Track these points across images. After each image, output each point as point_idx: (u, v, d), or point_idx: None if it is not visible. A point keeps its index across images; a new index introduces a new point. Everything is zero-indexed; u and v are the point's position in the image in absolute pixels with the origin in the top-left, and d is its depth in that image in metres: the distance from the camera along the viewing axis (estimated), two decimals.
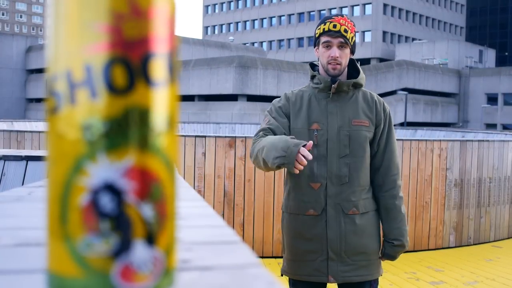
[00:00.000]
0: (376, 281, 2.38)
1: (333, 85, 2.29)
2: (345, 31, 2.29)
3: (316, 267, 2.28)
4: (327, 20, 2.32)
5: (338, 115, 2.30)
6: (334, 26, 2.28)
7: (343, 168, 2.27)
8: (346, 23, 2.30)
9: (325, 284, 2.35)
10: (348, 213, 2.27)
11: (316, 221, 2.28)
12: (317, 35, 2.35)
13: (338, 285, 2.35)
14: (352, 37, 2.32)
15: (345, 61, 2.33)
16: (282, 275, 2.43)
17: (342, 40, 2.29)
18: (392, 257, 2.39)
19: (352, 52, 2.36)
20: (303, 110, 2.33)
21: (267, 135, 2.25)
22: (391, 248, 2.36)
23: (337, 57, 2.29)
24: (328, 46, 2.30)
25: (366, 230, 2.31)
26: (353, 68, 2.41)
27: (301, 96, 2.38)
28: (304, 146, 1.99)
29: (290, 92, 2.44)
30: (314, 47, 2.41)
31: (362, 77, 2.36)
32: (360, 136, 2.29)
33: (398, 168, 2.38)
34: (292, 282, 2.37)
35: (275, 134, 2.25)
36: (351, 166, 2.28)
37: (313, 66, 2.47)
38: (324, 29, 2.30)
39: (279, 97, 2.45)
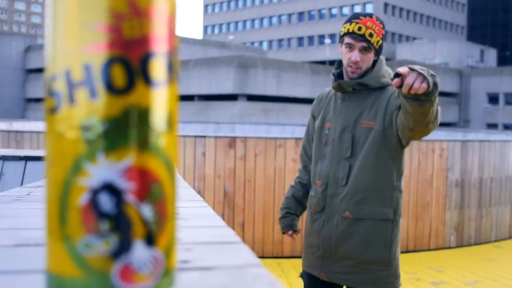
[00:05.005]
0: None
1: (333, 85, 2.26)
2: (370, 35, 2.15)
3: (312, 261, 2.33)
4: (354, 20, 2.18)
5: (345, 115, 2.23)
6: (359, 28, 2.15)
7: (343, 170, 2.21)
8: (373, 25, 2.15)
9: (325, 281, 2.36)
10: (342, 215, 2.23)
11: (317, 217, 2.32)
12: (341, 34, 2.23)
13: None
14: (378, 41, 2.17)
15: (366, 65, 2.21)
16: None
17: (365, 44, 2.15)
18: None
19: (377, 55, 2.23)
20: (322, 109, 2.35)
21: (303, 155, 2.52)
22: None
23: (358, 61, 2.17)
24: (350, 47, 2.19)
25: (358, 237, 2.18)
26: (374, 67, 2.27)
27: (327, 95, 2.38)
28: (290, 232, 2.45)
29: (322, 91, 2.46)
30: (339, 43, 2.29)
31: (371, 77, 2.21)
32: (366, 138, 2.18)
33: None
34: (302, 272, 2.44)
35: (306, 150, 2.48)
36: (352, 169, 2.20)
37: (340, 63, 2.36)
38: (348, 29, 2.17)
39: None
